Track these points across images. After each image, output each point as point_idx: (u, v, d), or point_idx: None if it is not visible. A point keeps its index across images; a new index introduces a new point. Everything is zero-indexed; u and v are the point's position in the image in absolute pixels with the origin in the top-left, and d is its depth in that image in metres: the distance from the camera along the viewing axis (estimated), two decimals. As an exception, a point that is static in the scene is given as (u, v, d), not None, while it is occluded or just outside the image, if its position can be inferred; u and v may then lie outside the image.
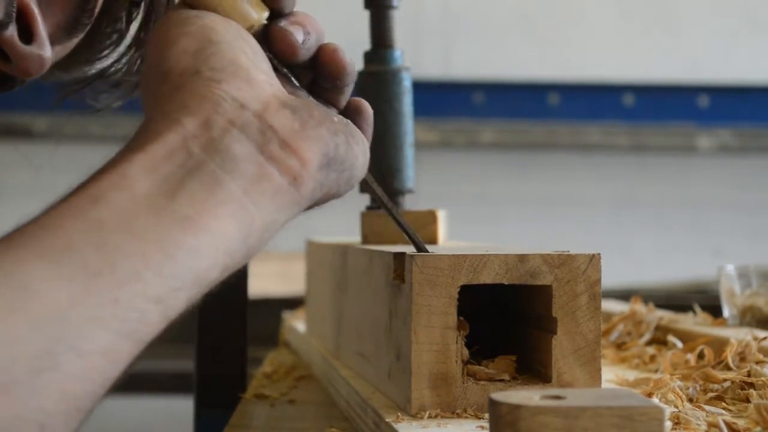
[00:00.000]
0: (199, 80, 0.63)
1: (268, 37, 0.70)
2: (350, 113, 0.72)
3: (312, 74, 0.72)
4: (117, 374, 0.56)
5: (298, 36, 0.70)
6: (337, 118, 0.68)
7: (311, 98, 0.71)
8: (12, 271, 0.53)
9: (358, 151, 0.69)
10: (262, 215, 0.62)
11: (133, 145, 0.61)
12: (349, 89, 0.73)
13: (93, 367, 0.54)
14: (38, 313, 0.52)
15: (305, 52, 0.71)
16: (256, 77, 0.65)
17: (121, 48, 0.88)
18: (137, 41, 0.88)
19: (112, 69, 0.89)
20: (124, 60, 0.89)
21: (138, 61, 0.88)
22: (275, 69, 0.70)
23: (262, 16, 0.70)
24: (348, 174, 0.68)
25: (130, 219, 0.57)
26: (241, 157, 0.61)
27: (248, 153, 0.62)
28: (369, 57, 1.06)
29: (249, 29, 0.69)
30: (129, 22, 0.86)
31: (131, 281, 0.55)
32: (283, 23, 0.70)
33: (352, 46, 0.98)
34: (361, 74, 1.04)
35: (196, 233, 0.58)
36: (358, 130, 0.70)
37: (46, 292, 0.53)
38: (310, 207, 0.68)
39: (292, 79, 0.71)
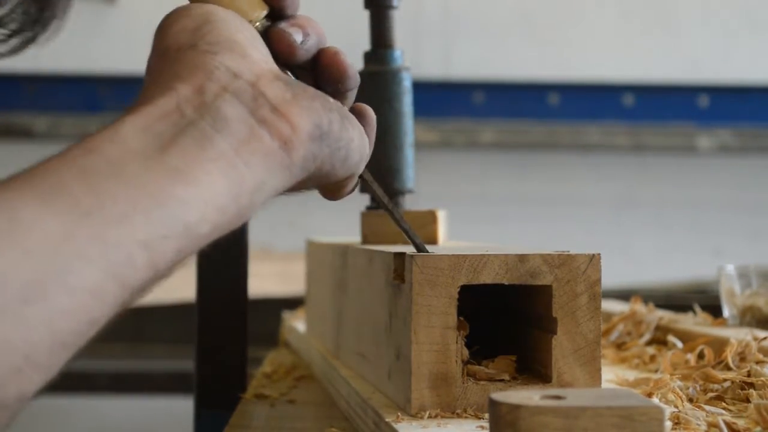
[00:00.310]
0: (194, 53, 0.65)
1: (268, 38, 0.71)
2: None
3: (314, 78, 0.73)
4: (103, 316, 0.56)
5: (297, 37, 0.71)
6: (333, 100, 0.69)
7: None
8: (4, 207, 0.54)
9: (354, 133, 0.70)
10: (252, 175, 0.63)
11: (127, 110, 0.62)
12: (352, 94, 0.74)
13: (80, 304, 0.55)
14: (29, 244, 0.53)
15: (304, 53, 0.72)
16: (251, 53, 0.67)
17: None
18: None
19: (7, 18, 0.89)
20: (20, 10, 0.88)
21: (37, 12, 0.87)
22: None
23: (260, 14, 0.71)
24: (343, 154, 0.69)
25: (122, 167, 0.58)
26: (233, 118, 0.63)
27: (239, 115, 0.63)
28: (369, 57, 1.06)
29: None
30: None
31: (120, 223, 0.57)
32: (282, 24, 0.72)
33: (352, 46, 0.98)
34: (361, 74, 1.04)
35: (186, 185, 0.60)
36: (354, 117, 0.71)
37: (38, 226, 0.54)
38: (305, 183, 0.69)
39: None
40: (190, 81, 0.63)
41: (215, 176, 0.61)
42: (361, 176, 0.75)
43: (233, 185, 0.62)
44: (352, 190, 0.75)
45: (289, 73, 0.72)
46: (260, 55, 0.67)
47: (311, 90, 0.68)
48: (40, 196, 0.55)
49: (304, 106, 0.66)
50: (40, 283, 0.53)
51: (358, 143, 0.70)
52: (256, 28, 0.71)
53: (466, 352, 0.75)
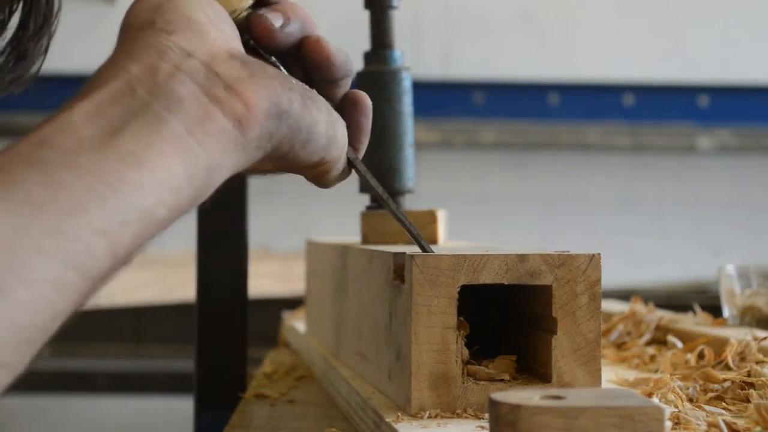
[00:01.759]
0: (151, 31, 0.64)
1: (249, 24, 0.71)
2: (346, 104, 0.73)
3: (303, 68, 0.72)
4: (66, 308, 0.56)
5: (276, 21, 0.71)
6: (297, 82, 0.68)
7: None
8: None
9: (320, 117, 0.68)
10: (207, 155, 0.62)
11: (78, 94, 0.62)
12: (345, 83, 0.73)
13: (41, 298, 0.54)
14: None
15: (284, 37, 0.71)
16: (209, 32, 0.66)
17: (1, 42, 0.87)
18: (15, 40, 0.87)
19: None
20: (1, 57, 0.88)
21: (12, 62, 0.87)
22: (261, 57, 0.70)
23: (246, 2, 0.71)
24: (304, 136, 0.67)
25: (74, 157, 0.58)
26: (185, 98, 0.62)
27: (192, 94, 0.62)
28: (369, 57, 1.06)
29: (232, 14, 0.70)
30: (10, 14, 0.86)
31: (75, 213, 0.56)
32: (263, 10, 0.71)
33: (352, 46, 0.98)
34: (361, 74, 1.04)
35: (140, 169, 0.59)
36: (324, 100, 0.70)
37: None
38: (264, 164, 0.68)
39: (281, 69, 0.71)
40: (143, 61, 0.63)
41: (169, 158, 0.60)
42: (358, 171, 0.75)
43: (188, 166, 0.61)
44: (341, 178, 0.74)
45: (275, 60, 0.71)
46: (219, 34, 0.66)
47: (271, 69, 0.66)
48: None
49: (260, 84, 0.65)
50: None
51: (325, 127, 0.69)
52: (241, 15, 0.71)
53: (466, 352, 0.75)
